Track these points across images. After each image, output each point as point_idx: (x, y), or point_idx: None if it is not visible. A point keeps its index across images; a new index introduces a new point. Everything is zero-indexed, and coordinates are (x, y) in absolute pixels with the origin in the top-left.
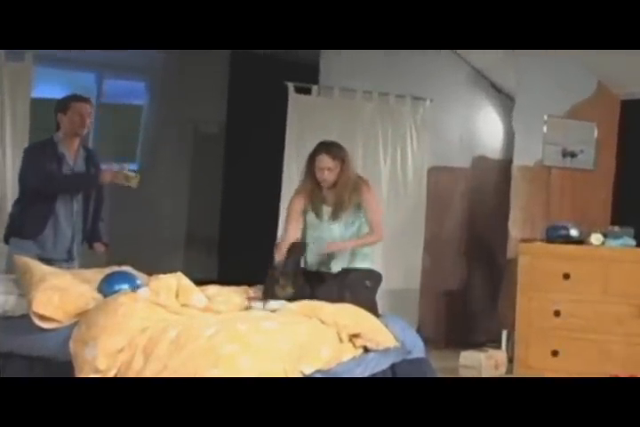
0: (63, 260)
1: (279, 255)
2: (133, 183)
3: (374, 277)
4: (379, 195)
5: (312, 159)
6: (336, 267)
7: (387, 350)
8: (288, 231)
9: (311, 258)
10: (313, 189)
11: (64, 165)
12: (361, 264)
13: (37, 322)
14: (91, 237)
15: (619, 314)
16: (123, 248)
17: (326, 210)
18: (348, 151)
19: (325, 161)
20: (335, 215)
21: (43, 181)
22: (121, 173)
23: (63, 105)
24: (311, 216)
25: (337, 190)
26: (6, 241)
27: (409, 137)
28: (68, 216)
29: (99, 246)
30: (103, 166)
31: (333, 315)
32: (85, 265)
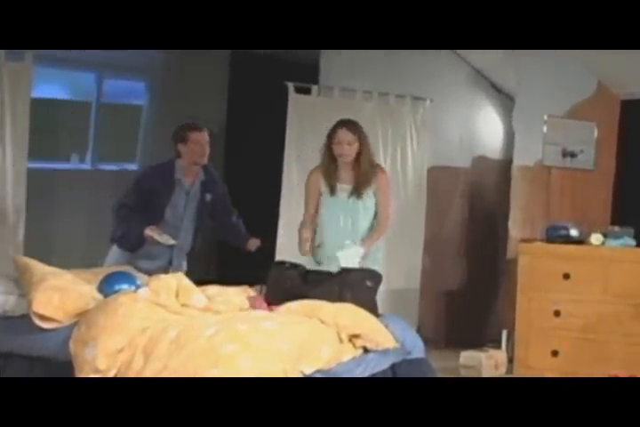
0: (162, 269)
1: (304, 233)
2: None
3: (375, 277)
4: (390, 181)
5: (331, 135)
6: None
7: (386, 351)
8: (308, 209)
9: (322, 255)
10: (329, 166)
11: (177, 188)
12: (371, 266)
13: (37, 322)
14: (237, 239)
15: (619, 314)
16: None
17: (343, 188)
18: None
19: (345, 134)
20: (356, 192)
21: (131, 215)
22: (154, 239)
23: (182, 136)
24: (326, 193)
25: (358, 165)
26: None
27: (409, 137)
28: (172, 231)
29: (253, 243)
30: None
31: (333, 315)
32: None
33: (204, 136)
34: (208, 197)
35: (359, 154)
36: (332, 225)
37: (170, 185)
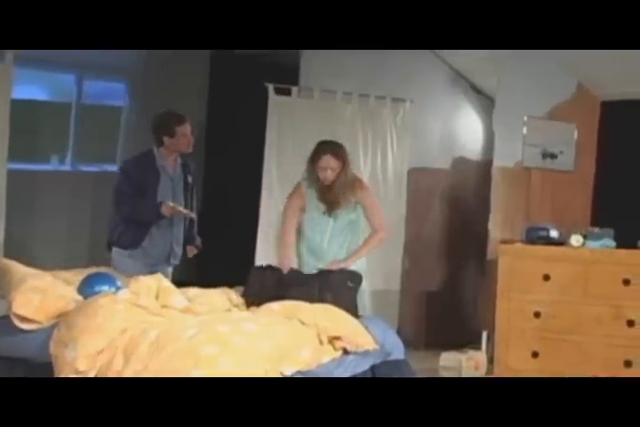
0: (164, 263)
1: (279, 257)
2: (189, 216)
3: (355, 277)
4: (373, 193)
5: (316, 159)
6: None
7: (366, 352)
8: (288, 224)
9: (307, 260)
10: (313, 185)
11: (163, 175)
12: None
13: (18, 323)
14: (185, 240)
15: (598, 315)
16: (105, 249)
17: (322, 206)
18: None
19: (330, 161)
20: (330, 212)
21: (128, 206)
22: (179, 211)
23: (169, 129)
24: (310, 211)
25: (335, 189)
26: (109, 248)
27: (389, 138)
28: (167, 225)
29: (191, 249)
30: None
31: (314, 316)
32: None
33: (188, 127)
34: (189, 178)
35: (337, 177)
36: (311, 242)
37: (155, 173)
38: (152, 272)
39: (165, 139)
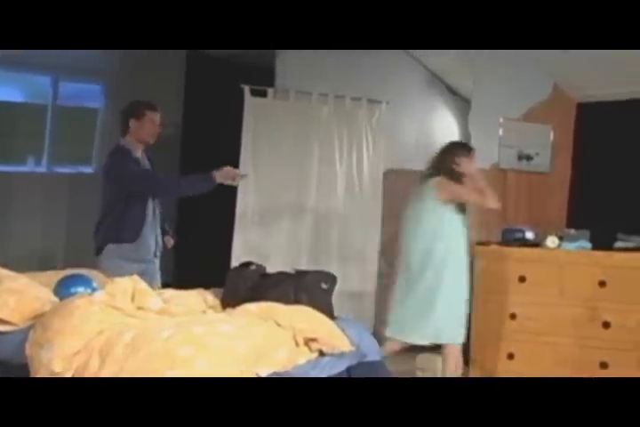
0: (151, 260)
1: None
2: (238, 182)
3: (330, 279)
4: None
5: (469, 153)
6: None
7: (342, 354)
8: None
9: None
10: (453, 179)
11: (142, 166)
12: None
13: None
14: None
15: (574, 317)
16: (81, 251)
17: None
18: None
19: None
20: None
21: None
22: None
23: (138, 111)
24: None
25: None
26: (99, 251)
27: (365, 140)
28: (153, 216)
29: (168, 240)
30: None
31: (290, 318)
32: None
33: (158, 117)
34: (156, 171)
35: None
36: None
37: (134, 164)
38: (144, 269)
39: (132, 122)
